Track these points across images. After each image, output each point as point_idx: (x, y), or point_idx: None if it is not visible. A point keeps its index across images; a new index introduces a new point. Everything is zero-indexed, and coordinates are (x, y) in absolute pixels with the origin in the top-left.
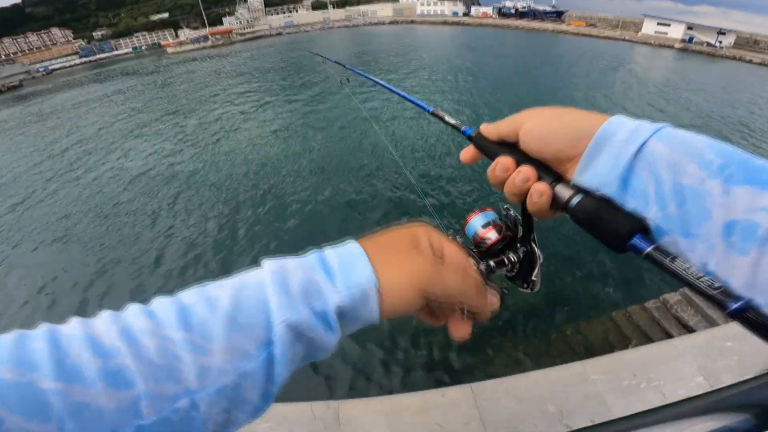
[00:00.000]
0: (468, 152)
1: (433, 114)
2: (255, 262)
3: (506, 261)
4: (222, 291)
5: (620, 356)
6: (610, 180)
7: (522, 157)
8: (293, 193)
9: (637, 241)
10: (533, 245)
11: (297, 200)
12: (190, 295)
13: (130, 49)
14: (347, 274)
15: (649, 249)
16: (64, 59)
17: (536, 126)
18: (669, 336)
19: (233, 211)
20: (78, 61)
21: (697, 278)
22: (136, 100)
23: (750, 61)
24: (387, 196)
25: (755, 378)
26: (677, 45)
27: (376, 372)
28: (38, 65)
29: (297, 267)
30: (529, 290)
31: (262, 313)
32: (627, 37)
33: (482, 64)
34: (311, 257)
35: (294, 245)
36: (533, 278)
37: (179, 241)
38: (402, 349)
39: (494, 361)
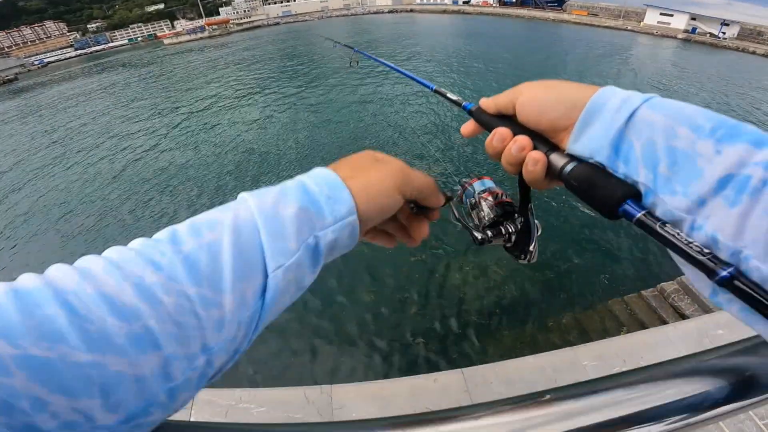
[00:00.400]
0: (468, 126)
1: (435, 92)
2: None
3: (503, 231)
4: (218, 234)
5: (611, 342)
6: (601, 147)
7: (518, 128)
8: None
9: (628, 206)
10: (530, 216)
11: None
12: (187, 238)
13: (125, 41)
14: (334, 206)
15: (640, 214)
16: (59, 52)
17: (532, 98)
18: (665, 324)
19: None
20: (73, 53)
21: (687, 244)
22: (133, 91)
23: (753, 53)
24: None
25: (733, 343)
26: (680, 35)
27: (369, 357)
28: (33, 58)
29: (284, 203)
30: (526, 261)
31: (258, 261)
32: (629, 27)
33: (480, 53)
34: (293, 188)
35: None
36: (530, 249)
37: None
38: (396, 336)
39: (489, 348)
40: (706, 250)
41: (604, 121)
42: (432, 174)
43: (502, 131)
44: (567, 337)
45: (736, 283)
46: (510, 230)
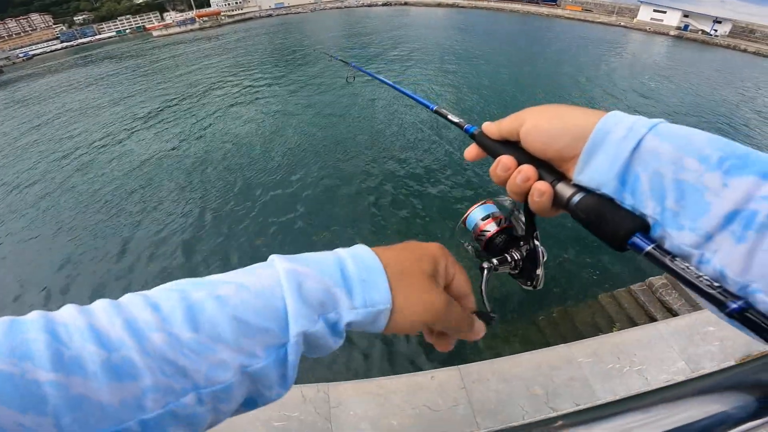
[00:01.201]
0: (472, 150)
1: (436, 112)
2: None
3: (509, 259)
4: (231, 289)
5: (605, 339)
6: (608, 179)
7: (523, 156)
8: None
9: (637, 239)
10: (536, 242)
11: (306, 181)
12: (197, 290)
13: (113, 33)
14: (366, 292)
15: (649, 248)
16: (45, 44)
17: (537, 126)
18: (653, 319)
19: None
20: (59, 45)
21: (697, 277)
22: (120, 84)
23: (744, 50)
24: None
25: (751, 361)
26: (672, 32)
27: (366, 355)
28: (18, 51)
29: (314, 274)
30: (532, 288)
31: (276, 319)
32: (622, 23)
33: (473, 46)
34: (328, 261)
35: (300, 234)
36: (537, 275)
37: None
38: (392, 334)
39: (482, 343)
40: (716, 284)
41: (609, 151)
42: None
43: (506, 160)
44: (558, 332)
45: (747, 315)
46: (516, 257)
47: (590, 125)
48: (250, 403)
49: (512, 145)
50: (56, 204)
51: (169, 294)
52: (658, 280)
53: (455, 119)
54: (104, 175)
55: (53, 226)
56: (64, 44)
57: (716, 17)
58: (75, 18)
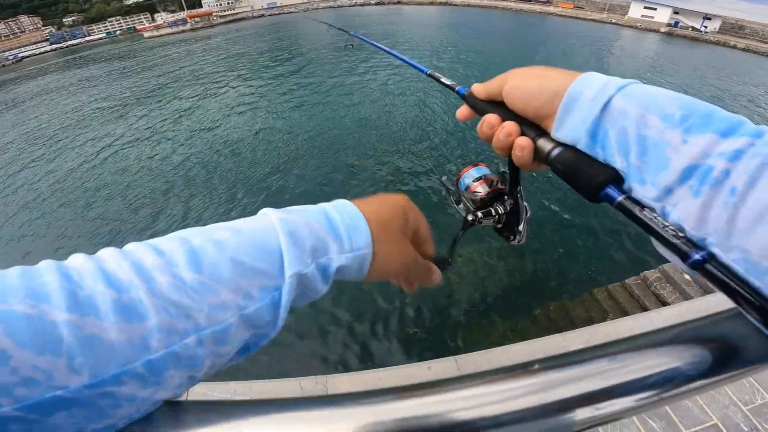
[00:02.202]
0: (463, 111)
1: (430, 76)
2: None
3: (493, 212)
4: (229, 234)
5: (598, 328)
6: (581, 135)
7: (507, 114)
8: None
9: (609, 190)
10: (519, 198)
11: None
12: (196, 236)
13: (103, 35)
14: (352, 237)
15: (620, 198)
16: (34, 46)
17: (517, 86)
18: (647, 311)
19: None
20: (48, 47)
21: (663, 227)
22: (111, 86)
23: (734, 47)
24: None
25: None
26: (663, 29)
27: (364, 348)
28: (7, 53)
29: (304, 222)
30: (516, 242)
31: (271, 260)
32: (614, 20)
33: (466, 43)
34: (315, 211)
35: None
36: (519, 230)
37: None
38: (389, 327)
39: (479, 338)
40: (680, 234)
41: (581, 110)
42: (431, 158)
43: (490, 118)
44: (554, 326)
45: (708, 267)
46: (500, 212)
47: (565, 86)
48: (244, 350)
49: (497, 105)
50: (43, 210)
51: (170, 240)
52: (653, 274)
53: (448, 82)
54: (98, 177)
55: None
56: (54, 46)
57: (706, 14)
58: (64, 20)
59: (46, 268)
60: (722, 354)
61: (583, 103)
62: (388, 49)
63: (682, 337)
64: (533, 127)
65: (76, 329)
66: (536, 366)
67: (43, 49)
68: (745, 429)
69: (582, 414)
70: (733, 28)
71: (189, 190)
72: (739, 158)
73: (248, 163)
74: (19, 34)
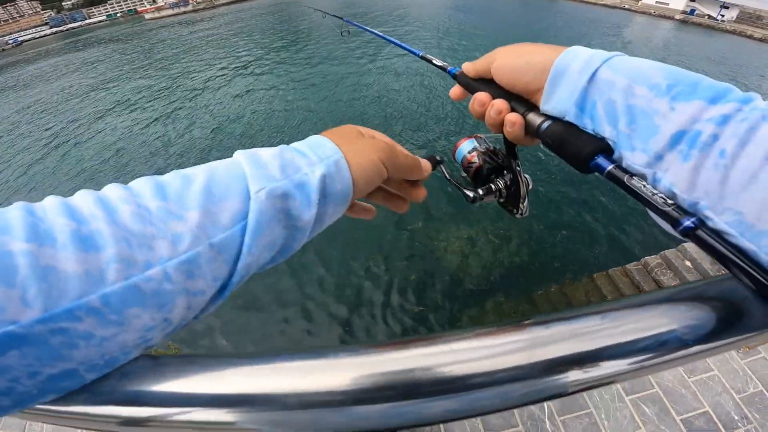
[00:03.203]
0: (455, 90)
1: (422, 58)
2: None
3: (494, 188)
4: (197, 169)
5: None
6: (568, 107)
7: (497, 91)
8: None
9: (599, 160)
10: (519, 171)
11: None
12: (165, 175)
13: (104, 17)
14: (317, 150)
15: (609, 168)
16: (34, 30)
17: (504, 63)
18: None
19: None
20: (48, 31)
21: (652, 195)
22: (114, 69)
23: (750, 36)
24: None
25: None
26: (677, 16)
27: (362, 330)
28: (7, 38)
29: (268, 152)
30: (519, 215)
31: (237, 185)
32: (626, 6)
33: (472, 27)
34: (278, 147)
35: None
36: (521, 202)
37: None
38: (388, 309)
39: (479, 319)
40: (670, 201)
41: (569, 83)
42: (425, 137)
43: (480, 96)
44: (554, 309)
45: (699, 233)
46: (500, 186)
47: (551, 60)
48: (222, 289)
49: (487, 82)
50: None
51: (140, 179)
52: (654, 260)
53: (439, 63)
54: (102, 159)
55: None
56: (54, 29)
57: (723, 2)
58: (63, 3)
59: (13, 206)
60: (714, 321)
61: (570, 76)
62: (380, 34)
63: (673, 299)
64: (523, 102)
65: (32, 259)
66: (530, 320)
67: (43, 33)
68: (735, 417)
69: (573, 375)
70: (750, 17)
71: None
72: (727, 123)
73: (247, 142)
74: (18, 18)
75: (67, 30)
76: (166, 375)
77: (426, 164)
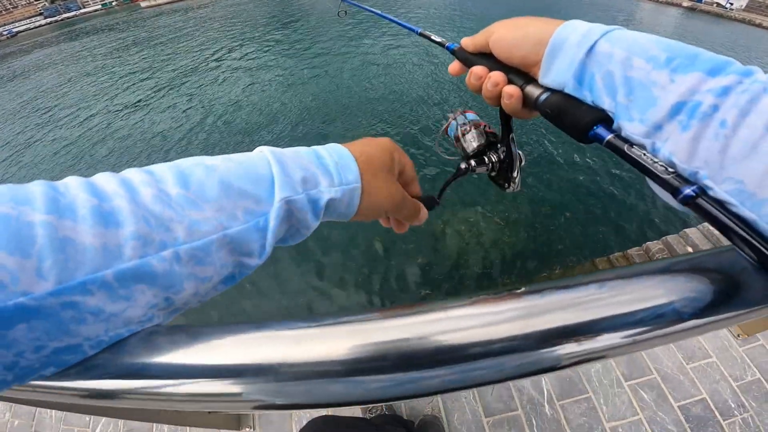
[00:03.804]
0: (454, 66)
1: (421, 34)
2: None
3: (486, 161)
4: (221, 160)
5: None
6: (567, 79)
7: (495, 64)
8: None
9: (598, 130)
10: (512, 145)
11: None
12: (187, 162)
13: (99, 6)
14: (341, 172)
15: (609, 137)
16: (28, 21)
17: (502, 36)
18: None
19: None
20: (43, 21)
21: (653, 163)
22: (107, 58)
23: (759, 25)
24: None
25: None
26: (685, 3)
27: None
28: (1, 29)
29: (295, 157)
30: (510, 190)
31: (261, 185)
32: None
33: (474, 13)
34: (307, 150)
35: None
36: (514, 177)
37: None
38: (389, 293)
39: None
40: (670, 169)
41: (567, 55)
42: (419, 115)
43: (477, 70)
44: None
45: (699, 201)
46: (493, 159)
47: (549, 33)
48: (229, 279)
49: (485, 56)
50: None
51: (162, 165)
52: (655, 245)
53: (438, 39)
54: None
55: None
56: (48, 20)
57: None
58: None
59: (35, 182)
60: (714, 291)
61: (569, 48)
62: (379, 12)
63: (672, 270)
64: (520, 74)
65: (51, 229)
66: (522, 289)
67: (37, 23)
68: (733, 405)
69: (569, 348)
70: (760, 6)
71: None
72: (728, 94)
73: (249, 129)
74: (11, 9)
75: (62, 20)
76: (161, 346)
77: (424, 214)
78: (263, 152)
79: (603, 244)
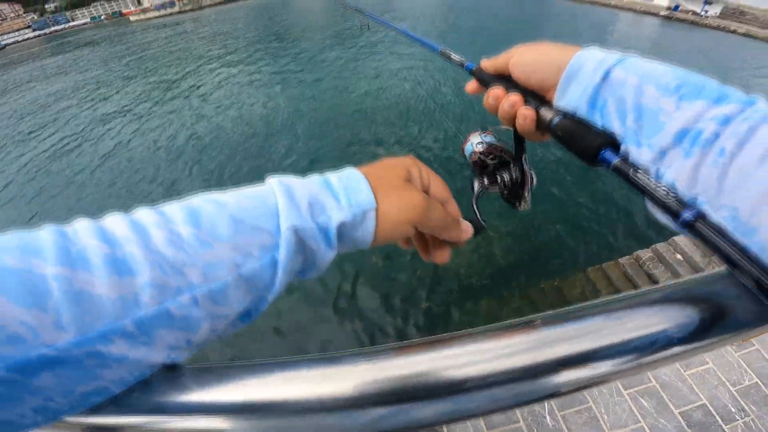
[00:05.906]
0: (471, 85)
1: (441, 53)
2: None
3: (499, 180)
4: (230, 195)
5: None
6: (581, 104)
7: (512, 86)
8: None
9: (606, 154)
10: (525, 165)
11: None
12: (196, 198)
13: (88, 20)
14: (350, 195)
15: (615, 161)
16: (16, 33)
17: (522, 60)
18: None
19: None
20: (32, 34)
21: (655, 188)
22: (95, 71)
23: (734, 32)
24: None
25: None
26: (662, 12)
27: (361, 331)
28: None
29: (302, 185)
30: (522, 208)
31: (270, 218)
32: (612, 3)
33: (463, 26)
34: (314, 178)
35: None
36: (525, 196)
37: None
38: (387, 309)
39: (473, 318)
40: (671, 193)
41: (582, 81)
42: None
43: (495, 91)
44: (548, 303)
45: (698, 225)
46: (506, 179)
47: (567, 59)
48: (245, 316)
49: (503, 78)
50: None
51: (171, 203)
52: (645, 254)
53: (457, 58)
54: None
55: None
56: (37, 33)
57: None
58: (46, 6)
59: (44, 228)
60: (711, 315)
61: (585, 74)
62: (400, 28)
63: (669, 298)
64: (536, 97)
65: (65, 283)
66: (537, 321)
67: (26, 36)
68: (732, 410)
69: (576, 374)
70: (734, 13)
71: (172, 176)
72: (729, 123)
73: (257, 148)
74: (0, 22)
75: (51, 33)
76: (184, 385)
77: (467, 228)
78: (271, 183)
79: (594, 253)
